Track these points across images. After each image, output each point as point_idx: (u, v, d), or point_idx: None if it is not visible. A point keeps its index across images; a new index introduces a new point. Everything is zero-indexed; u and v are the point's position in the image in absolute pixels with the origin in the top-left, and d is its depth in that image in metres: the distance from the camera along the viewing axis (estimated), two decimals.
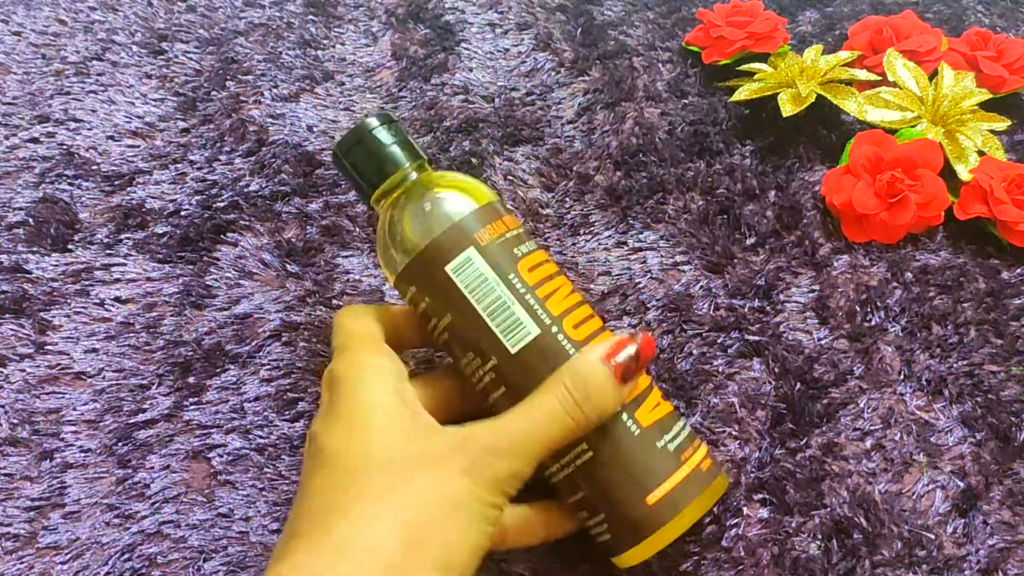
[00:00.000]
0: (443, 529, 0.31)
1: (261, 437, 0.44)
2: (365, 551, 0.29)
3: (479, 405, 0.37)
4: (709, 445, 0.41)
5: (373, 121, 0.40)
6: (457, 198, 0.38)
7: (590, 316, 0.38)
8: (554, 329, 0.36)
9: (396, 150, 0.40)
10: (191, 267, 0.50)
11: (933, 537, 0.40)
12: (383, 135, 0.40)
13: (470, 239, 0.37)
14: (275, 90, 0.59)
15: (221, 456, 0.43)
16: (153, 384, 0.46)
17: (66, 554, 0.40)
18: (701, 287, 0.49)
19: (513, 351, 0.35)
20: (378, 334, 0.38)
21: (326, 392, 0.36)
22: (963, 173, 0.51)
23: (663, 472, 0.34)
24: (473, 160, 0.55)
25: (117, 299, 0.49)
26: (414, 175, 0.40)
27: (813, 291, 0.48)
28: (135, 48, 0.61)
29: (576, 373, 0.34)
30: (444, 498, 0.31)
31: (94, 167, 0.55)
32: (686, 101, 0.58)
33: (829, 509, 0.41)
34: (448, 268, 0.36)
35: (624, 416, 0.35)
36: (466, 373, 0.37)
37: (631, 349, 0.35)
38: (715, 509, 0.41)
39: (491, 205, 0.39)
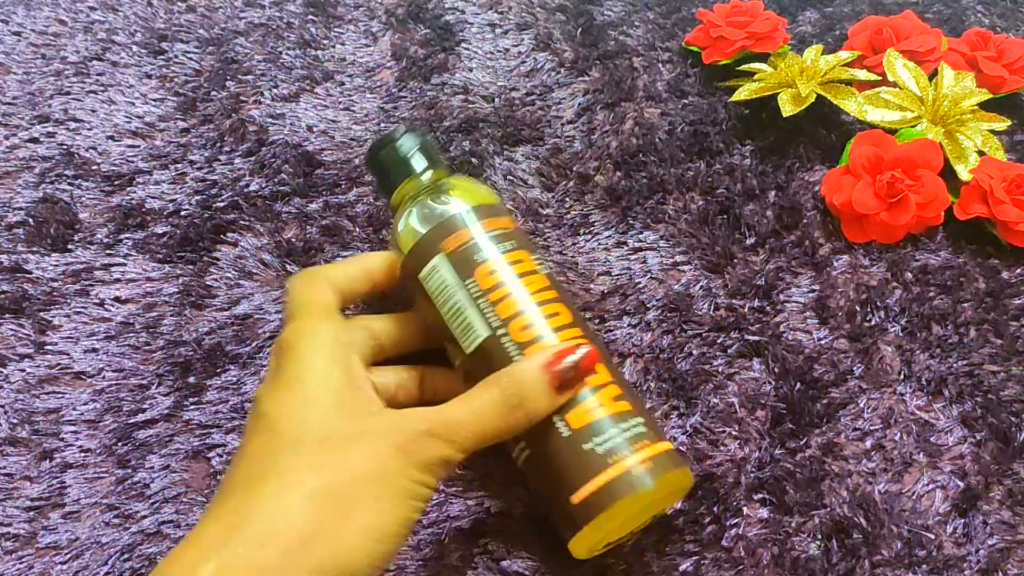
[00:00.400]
0: (375, 498, 0.32)
1: None
2: (282, 521, 0.31)
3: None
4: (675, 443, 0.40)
5: (396, 132, 0.45)
6: (432, 209, 0.41)
7: (552, 315, 0.38)
8: (500, 332, 0.38)
9: (403, 161, 0.44)
10: (191, 267, 0.50)
11: (933, 537, 0.40)
12: (399, 146, 0.44)
13: (437, 247, 0.40)
14: (275, 90, 0.59)
15: (221, 456, 0.43)
16: (153, 384, 0.46)
17: (66, 554, 0.40)
18: (701, 287, 0.49)
19: (468, 351, 0.39)
20: (330, 301, 0.39)
21: (274, 358, 0.37)
22: (963, 173, 0.51)
23: (588, 474, 0.35)
24: (473, 160, 0.55)
25: (117, 299, 0.49)
26: (424, 181, 0.44)
27: (813, 291, 0.48)
28: (135, 48, 0.61)
29: (512, 377, 0.36)
30: (377, 471, 0.32)
31: (94, 167, 0.55)
32: (686, 101, 0.58)
33: (829, 509, 0.41)
34: (420, 276, 0.40)
35: (555, 419, 0.36)
36: (453, 365, 0.41)
37: (571, 360, 0.36)
38: (715, 509, 0.41)
39: (463, 215, 0.41)
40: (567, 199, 0.53)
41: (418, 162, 0.44)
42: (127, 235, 0.52)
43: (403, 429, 0.33)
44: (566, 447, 0.36)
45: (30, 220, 0.52)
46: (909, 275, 0.49)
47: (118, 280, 0.50)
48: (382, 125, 0.57)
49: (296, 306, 0.38)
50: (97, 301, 0.49)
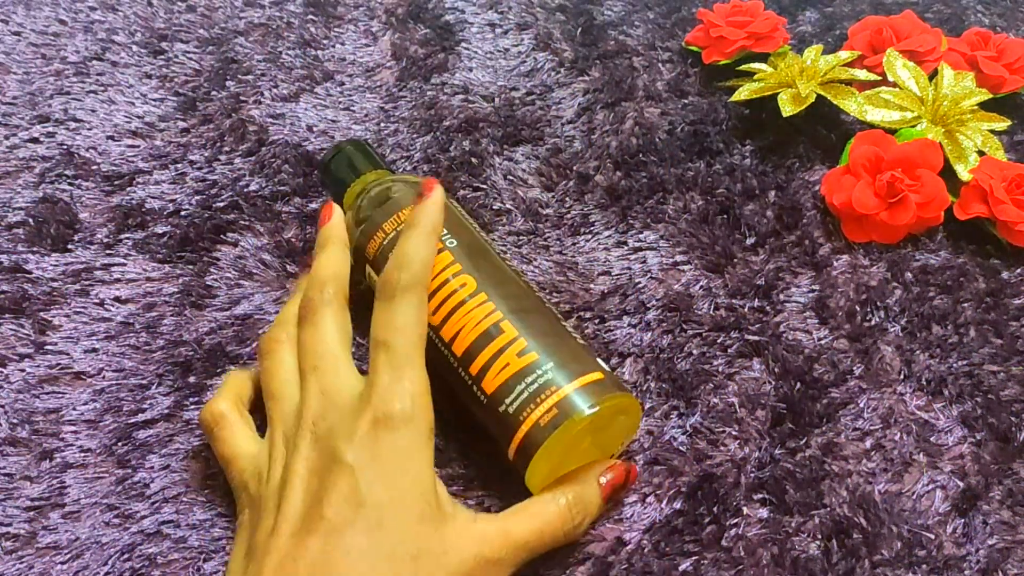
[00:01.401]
0: None
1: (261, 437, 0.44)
2: None
3: None
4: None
5: (333, 149, 0.49)
6: (355, 218, 0.45)
7: (454, 291, 0.40)
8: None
9: (334, 178, 0.48)
10: (191, 267, 0.50)
11: (933, 537, 0.40)
12: (331, 163, 0.48)
13: (364, 254, 0.43)
14: (275, 90, 0.59)
15: None
16: (153, 384, 0.46)
17: (66, 554, 0.40)
18: (701, 287, 0.49)
19: None
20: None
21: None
22: (963, 173, 0.51)
23: (510, 432, 0.38)
24: (473, 160, 0.55)
25: (117, 299, 0.49)
26: (355, 190, 0.47)
27: (813, 291, 0.48)
28: (135, 48, 0.61)
29: (578, 494, 0.37)
30: None
31: (94, 167, 0.55)
32: (686, 101, 0.59)
33: (829, 509, 0.41)
34: (363, 286, 0.44)
35: (475, 388, 0.39)
36: None
37: (623, 480, 0.39)
38: (715, 509, 0.41)
39: (375, 217, 0.43)
40: (567, 199, 0.53)
41: (346, 174, 0.48)
42: (127, 235, 0.52)
43: (478, 553, 0.33)
44: (487, 413, 0.38)
45: (30, 220, 0.52)
46: (909, 275, 0.49)
47: (118, 280, 0.50)
48: (382, 125, 0.57)
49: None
50: (97, 301, 0.49)
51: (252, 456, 0.38)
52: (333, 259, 0.41)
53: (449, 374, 0.41)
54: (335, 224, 0.42)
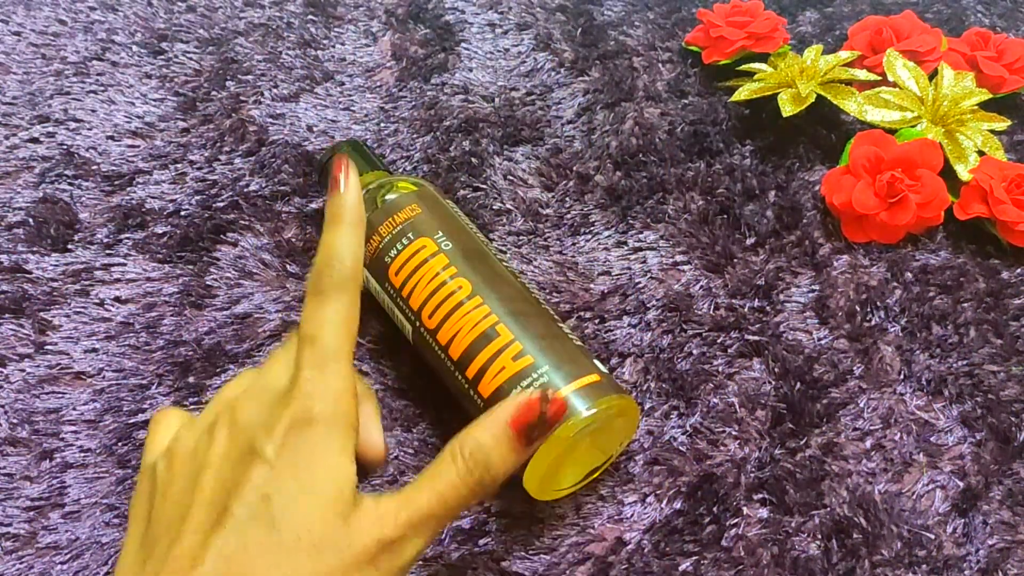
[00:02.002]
0: None
1: None
2: None
3: None
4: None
5: (330, 151, 0.48)
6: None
7: (451, 294, 0.40)
8: (417, 323, 0.41)
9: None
10: (191, 267, 0.50)
11: (933, 537, 0.40)
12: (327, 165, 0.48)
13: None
14: (275, 90, 0.59)
15: None
16: (153, 384, 0.46)
17: (66, 554, 0.40)
18: (701, 287, 0.49)
19: (412, 343, 0.43)
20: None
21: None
22: (963, 173, 0.51)
23: None
24: (473, 160, 0.55)
25: (117, 299, 0.49)
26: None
27: (813, 291, 0.48)
28: (135, 48, 0.61)
29: (475, 443, 0.33)
30: None
31: (94, 167, 0.55)
32: (686, 101, 0.59)
33: (829, 509, 0.41)
34: (362, 288, 0.44)
35: (472, 392, 0.39)
36: None
37: (538, 414, 0.33)
38: (715, 509, 0.41)
39: (371, 221, 0.43)
40: (567, 199, 0.53)
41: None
42: (127, 235, 0.52)
43: (379, 536, 0.31)
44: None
45: (30, 220, 0.52)
46: (909, 275, 0.49)
47: (118, 280, 0.50)
48: (382, 125, 0.57)
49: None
50: (97, 301, 0.49)
51: (173, 431, 0.35)
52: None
53: (446, 377, 0.41)
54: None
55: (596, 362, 0.39)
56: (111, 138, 0.56)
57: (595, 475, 0.41)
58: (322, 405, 0.32)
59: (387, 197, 0.44)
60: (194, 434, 0.34)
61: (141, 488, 0.34)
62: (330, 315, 0.34)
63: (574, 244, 0.51)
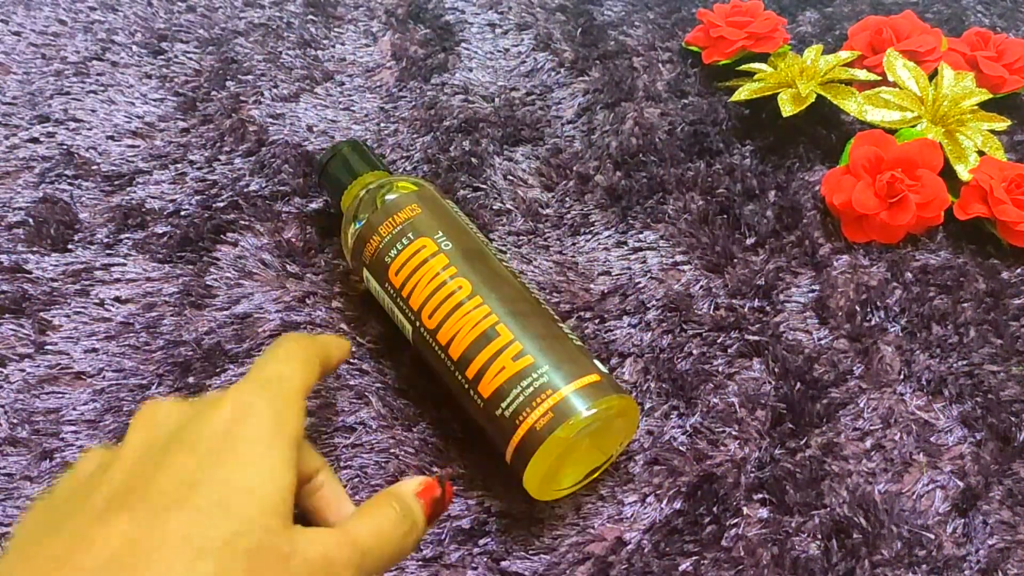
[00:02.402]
0: None
1: None
2: None
3: None
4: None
5: (330, 151, 0.49)
6: (353, 222, 0.45)
7: (450, 294, 0.40)
8: (417, 324, 0.41)
9: (333, 178, 0.49)
10: (191, 267, 0.50)
11: (933, 537, 0.40)
12: (340, 161, 0.49)
13: (361, 258, 0.44)
14: (275, 90, 0.59)
15: None
16: (153, 384, 0.46)
17: None
18: (701, 287, 0.49)
19: (412, 343, 0.43)
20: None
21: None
22: (963, 173, 0.51)
23: (507, 435, 0.38)
24: (473, 160, 0.55)
25: (117, 299, 0.49)
26: (358, 193, 0.47)
27: (813, 291, 0.48)
28: (135, 48, 0.61)
29: (407, 505, 0.33)
30: None
31: (94, 167, 0.55)
32: (686, 101, 0.59)
33: (829, 509, 0.41)
34: (363, 287, 0.45)
35: (471, 391, 0.39)
36: None
37: (440, 496, 0.34)
38: (715, 509, 0.41)
39: (372, 222, 0.44)
40: (567, 199, 0.53)
41: (343, 176, 0.48)
42: (127, 235, 0.52)
43: (324, 552, 0.28)
44: (484, 416, 0.39)
45: (30, 220, 0.52)
46: (909, 275, 0.49)
47: (118, 280, 0.50)
48: (382, 125, 0.57)
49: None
50: (97, 301, 0.49)
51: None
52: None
53: (446, 377, 0.41)
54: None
55: (596, 362, 0.39)
56: (111, 138, 0.56)
57: (595, 475, 0.41)
58: (276, 373, 0.31)
59: (387, 197, 0.44)
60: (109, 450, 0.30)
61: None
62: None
63: (574, 244, 0.51)
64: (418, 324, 0.41)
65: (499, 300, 0.40)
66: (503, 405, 0.38)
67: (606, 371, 0.39)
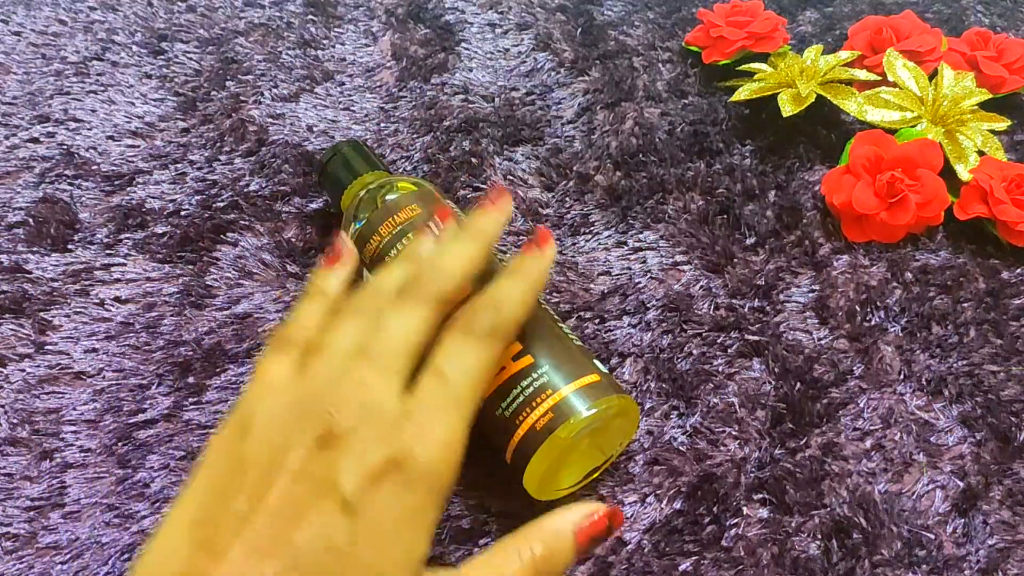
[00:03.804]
0: None
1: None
2: None
3: None
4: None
5: (331, 151, 0.49)
6: (353, 222, 0.45)
7: None
8: None
9: (334, 179, 0.49)
10: (191, 267, 0.50)
11: (933, 537, 0.40)
12: (340, 160, 0.49)
13: (362, 258, 0.44)
14: (275, 90, 0.59)
15: None
16: (153, 384, 0.46)
17: (66, 554, 0.40)
18: (701, 287, 0.49)
19: None
20: None
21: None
22: (963, 173, 0.51)
23: (507, 434, 0.38)
24: (473, 160, 0.55)
25: (117, 299, 0.49)
26: (359, 194, 0.47)
27: (813, 291, 0.48)
28: (135, 48, 0.61)
29: (546, 544, 0.31)
30: None
31: (94, 167, 0.55)
32: (686, 101, 0.59)
33: (829, 509, 0.41)
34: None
35: None
36: None
37: (603, 532, 0.32)
38: (715, 509, 0.41)
39: (371, 222, 0.44)
40: (567, 199, 0.53)
41: (343, 176, 0.48)
42: (127, 235, 0.52)
43: None
44: (484, 416, 0.38)
45: (30, 220, 0.52)
46: (909, 275, 0.49)
47: (118, 280, 0.50)
48: (382, 125, 0.57)
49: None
50: (97, 301, 0.49)
51: (273, 390, 0.31)
52: (473, 260, 0.35)
53: None
54: (496, 221, 0.36)
55: (596, 362, 0.39)
56: (111, 138, 0.56)
57: (595, 475, 0.41)
58: (425, 456, 0.29)
59: (387, 197, 0.44)
60: (283, 413, 0.30)
61: (229, 433, 0.30)
62: (472, 361, 0.31)
63: (574, 244, 0.51)
64: None
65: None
66: (503, 405, 0.38)
67: (606, 371, 0.39)
